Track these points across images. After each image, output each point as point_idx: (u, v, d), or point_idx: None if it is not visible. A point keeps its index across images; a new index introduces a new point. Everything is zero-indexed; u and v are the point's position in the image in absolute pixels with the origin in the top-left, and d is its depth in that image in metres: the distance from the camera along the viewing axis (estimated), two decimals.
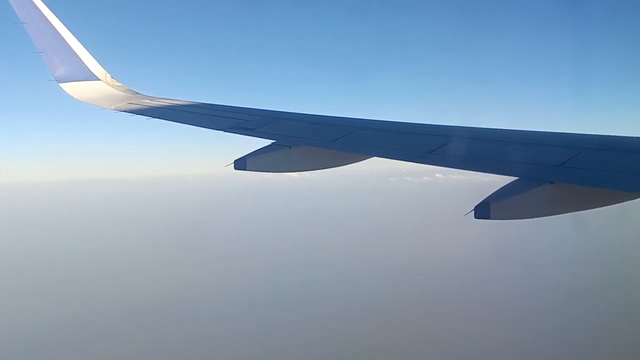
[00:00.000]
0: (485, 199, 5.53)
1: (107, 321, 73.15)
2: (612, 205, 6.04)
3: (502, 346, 61.19)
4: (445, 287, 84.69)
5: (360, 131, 8.18)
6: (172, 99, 11.23)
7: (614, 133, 6.99)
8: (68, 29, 10.99)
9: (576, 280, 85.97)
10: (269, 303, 79.12)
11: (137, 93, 11.75)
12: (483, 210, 5.43)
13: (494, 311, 72.26)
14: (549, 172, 5.93)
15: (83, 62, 11.20)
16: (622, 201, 5.91)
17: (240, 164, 7.34)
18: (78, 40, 11.15)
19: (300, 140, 7.92)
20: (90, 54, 11.40)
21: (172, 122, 9.70)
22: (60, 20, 10.90)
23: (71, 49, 11.00)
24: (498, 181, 5.89)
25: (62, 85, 11.03)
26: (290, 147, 7.67)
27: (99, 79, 11.44)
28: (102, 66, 11.62)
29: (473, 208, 5.45)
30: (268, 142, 7.82)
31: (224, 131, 8.75)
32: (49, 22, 10.71)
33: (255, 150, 7.62)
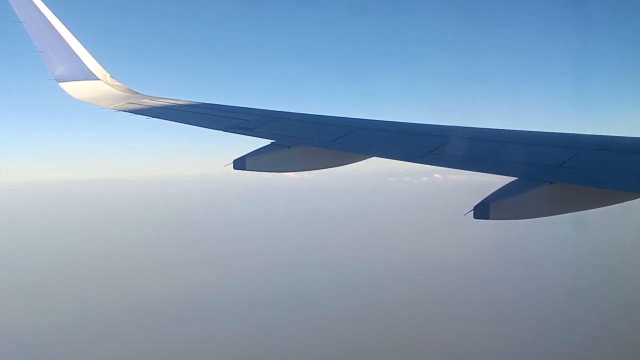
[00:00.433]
0: (485, 199, 5.52)
1: (106, 321, 73.11)
2: (611, 206, 6.03)
3: (502, 346, 61.18)
4: (444, 287, 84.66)
5: (360, 131, 8.18)
6: (172, 99, 11.23)
7: (613, 133, 7.00)
8: (67, 28, 10.99)
9: (576, 281, 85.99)
10: (269, 303, 79.09)
11: (137, 93, 11.75)
12: (482, 211, 5.42)
13: (494, 311, 72.26)
14: (549, 172, 5.92)
15: (82, 62, 11.19)
16: (622, 201, 5.91)
17: (240, 163, 7.34)
18: (77, 39, 11.15)
19: (299, 140, 7.91)
20: (90, 53, 11.41)
21: (171, 122, 9.70)
22: (60, 20, 10.90)
23: (71, 48, 10.99)
24: (497, 181, 5.88)
25: (62, 84, 11.02)
26: (289, 147, 7.66)
27: (98, 79, 11.44)
28: (101, 66, 11.62)
29: (472, 208, 5.44)
30: (267, 142, 7.82)
31: (224, 131, 8.76)
32: (49, 21, 10.71)
33: (255, 150, 7.61)
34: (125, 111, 10.39)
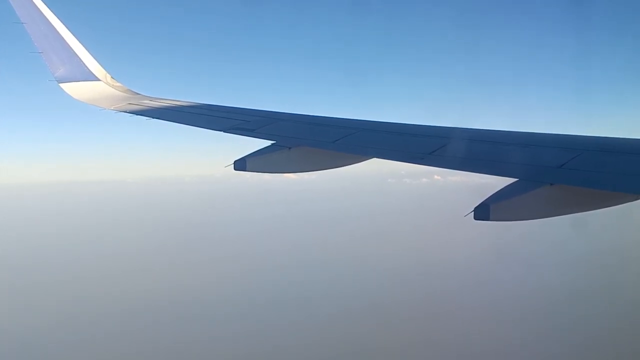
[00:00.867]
0: (485, 200, 5.52)
1: (105, 321, 73.07)
2: (612, 207, 6.03)
3: (501, 347, 61.18)
4: (445, 288, 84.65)
5: (360, 132, 8.18)
6: (172, 100, 11.23)
7: (613, 135, 7.00)
8: (68, 29, 11.00)
9: (576, 282, 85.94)
10: (268, 304, 79.04)
11: (137, 93, 11.76)
12: (483, 212, 5.42)
13: (494, 312, 72.26)
14: (549, 174, 5.92)
15: (83, 63, 11.20)
16: (622, 203, 5.91)
17: (240, 164, 7.34)
18: (78, 40, 11.16)
19: (300, 141, 7.92)
20: (90, 54, 11.42)
21: (171, 123, 9.71)
22: (61, 21, 10.91)
23: (71, 49, 11.00)
24: (497, 183, 5.88)
25: (62, 85, 11.03)
26: (290, 148, 7.67)
27: (98, 79, 11.45)
28: (102, 66, 11.63)
29: (473, 209, 5.44)
30: (268, 143, 7.83)
31: (224, 132, 8.76)
32: (49, 22, 10.72)
33: (255, 151, 7.62)
34: (125, 112, 10.40)
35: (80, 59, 11.13)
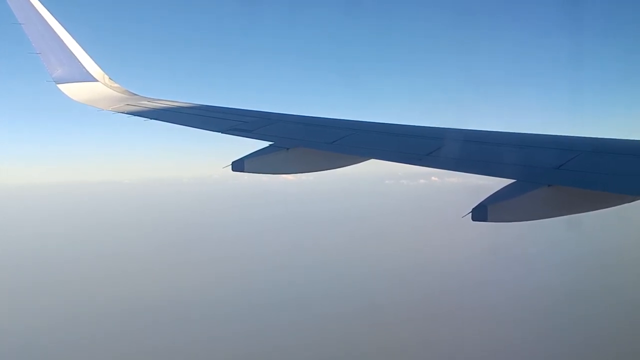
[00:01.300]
0: (483, 201, 5.51)
1: (105, 322, 73.05)
2: (609, 208, 6.03)
3: (501, 347, 61.25)
4: (443, 288, 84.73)
5: (358, 133, 8.16)
6: (170, 101, 11.22)
7: (611, 136, 7.00)
8: (66, 30, 10.96)
9: (574, 282, 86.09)
10: (266, 305, 79.04)
11: (135, 94, 11.74)
12: (480, 213, 5.42)
13: (493, 313, 72.31)
14: (546, 175, 5.91)
15: (81, 63, 11.17)
16: (620, 204, 5.90)
17: (238, 165, 7.33)
18: (76, 41, 11.12)
19: (298, 142, 7.90)
20: (88, 55, 11.38)
21: (169, 124, 9.68)
22: (58, 21, 10.87)
23: (69, 50, 10.97)
24: (495, 184, 5.88)
25: (60, 86, 11.00)
26: (288, 148, 7.66)
27: (96, 80, 11.41)
28: (100, 67, 11.59)
29: (470, 210, 5.44)
30: (266, 144, 7.81)
31: (222, 133, 8.75)
32: (47, 23, 10.68)
33: (253, 152, 7.61)
34: (123, 113, 10.37)
35: (78, 59, 11.10)
